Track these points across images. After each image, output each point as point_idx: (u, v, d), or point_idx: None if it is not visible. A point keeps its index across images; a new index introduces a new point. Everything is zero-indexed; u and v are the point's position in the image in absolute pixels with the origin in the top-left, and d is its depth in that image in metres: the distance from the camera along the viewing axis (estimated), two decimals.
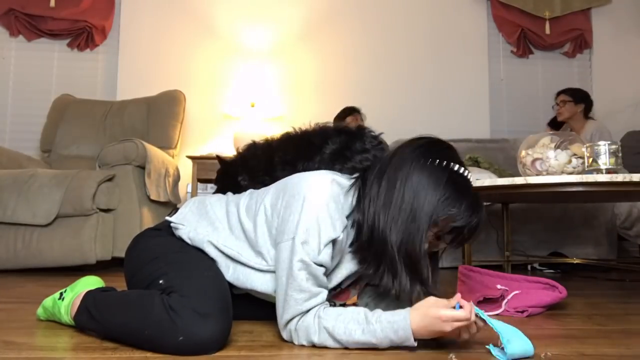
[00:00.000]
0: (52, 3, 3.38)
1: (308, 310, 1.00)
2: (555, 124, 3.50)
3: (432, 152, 1.03)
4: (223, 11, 3.64)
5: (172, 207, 2.92)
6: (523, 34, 3.88)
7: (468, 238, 1.05)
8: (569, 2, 3.91)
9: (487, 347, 0.98)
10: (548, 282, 1.62)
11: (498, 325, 0.95)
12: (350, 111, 3.39)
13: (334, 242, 1.02)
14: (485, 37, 3.88)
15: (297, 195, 1.03)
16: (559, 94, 3.42)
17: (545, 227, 2.96)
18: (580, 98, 3.36)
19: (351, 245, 1.07)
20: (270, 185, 1.17)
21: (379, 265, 1.02)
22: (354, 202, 1.06)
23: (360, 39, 3.75)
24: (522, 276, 1.71)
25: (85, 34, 3.47)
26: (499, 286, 1.59)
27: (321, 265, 1.00)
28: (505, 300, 1.51)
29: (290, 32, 3.68)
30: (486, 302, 1.54)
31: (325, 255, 1.00)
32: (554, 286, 1.59)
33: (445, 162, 1.01)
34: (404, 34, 3.78)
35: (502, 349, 0.93)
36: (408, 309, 0.95)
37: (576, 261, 2.79)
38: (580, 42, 3.93)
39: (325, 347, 0.99)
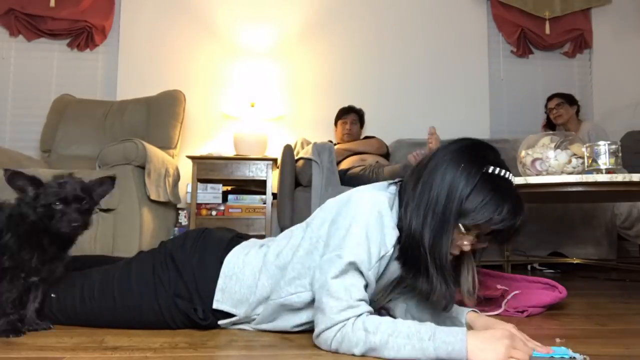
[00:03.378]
0: (52, 3, 3.38)
1: (344, 320, 0.95)
2: (550, 129, 3.51)
3: (467, 155, 1.02)
4: (223, 11, 3.64)
5: (172, 207, 2.92)
6: (523, 34, 3.88)
7: (511, 237, 1.04)
8: (569, 2, 3.90)
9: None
10: (548, 282, 1.62)
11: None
12: (342, 114, 3.38)
13: (383, 257, 1.02)
14: (485, 37, 3.88)
15: (346, 213, 1.03)
16: (550, 98, 3.44)
17: (545, 227, 2.96)
18: (571, 100, 3.41)
19: (397, 256, 1.06)
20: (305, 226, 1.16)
21: (418, 269, 1.01)
22: (398, 210, 1.06)
23: (360, 38, 3.74)
24: (522, 276, 1.71)
25: (85, 34, 3.46)
26: (499, 286, 1.59)
27: (366, 282, 0.99)
28: (505, 300, 1.51)
29: (290, 32, 3.68)
30: (486, 302, 1.54)
31: (373, 274, 1.00)
32: (554, 286, 1.59)
33: (479, 166, 0.99)
34: (403, 34, 3.78)
35: None
36: (464, 329, 0.91)
37: (576, 261, 2.79)
38: (580, 42, 3.93)
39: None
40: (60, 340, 1.08)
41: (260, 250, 1.19)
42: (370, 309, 0.98)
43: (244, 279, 1.14)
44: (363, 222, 1.00)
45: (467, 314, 1.12)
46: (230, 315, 1.16)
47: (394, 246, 1.03)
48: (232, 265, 1.16)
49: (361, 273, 0.98)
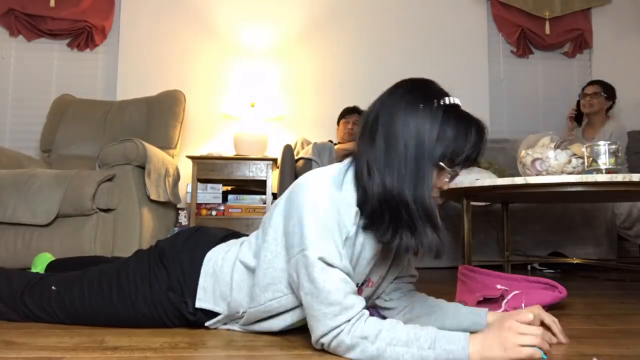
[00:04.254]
0: (52, 3, 3.38)
1: (340, 325, 0.91)
2: (578, 117, 3.37)
3: (420, 94, 0.99)
4: (223, 11, 3.64)
5: (172, 207, 2.92)
6: (523, 34, 3.88)
7: (479, 157, 1.01)
8: (569, 2, 3.90)
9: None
10: (548, 282, 1.62)
11: None
12: (345, 113, 3.38)
13: (346, 238, 0.98)
14: (485, 37, 3.88)
15: (296, 204, 0.98)
16: (590, 83, 3.29)
17: (545, 227, 2.96)
18: (611, 94, 3.25)
19: (364, 226, 1.00)
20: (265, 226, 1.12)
21: (397, 228, 0.97)
22: (354, 183, 1.01)
23: (360, 39, 3.74)
24: (522, 276, 1.71)
25: (85, 34, 3.46)
26: (499, 286, 1.59)
27: (346, 272, 0.95)
28: (505, 300, 1.51)
29: (290, 32, 3.68)
30: (486, 302, 1.54)
31: (347, 260, 0.96)
32: (554, 286, 1.59)
33: (436, 101, 0.97)
34: (403, 34, 3.78)
35: None
36: (467, 334, 0.86)
37: (576, 261, 2.79)
38: (580, 42, 3.93)
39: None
40: (60, 340, 1.08)
41: (238, 247, 1.17)
42: (364, 311, 0.94)
43: (222, 276, 1.13)
44: (316, 211, 0.94)
45: (487, 315, 1.11)
46: (215, 314, 1.16)
47: (355, 223, 0.99)
48: (212, 263, 1.15)
49: (334, 266, 0.93)
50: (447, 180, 1.01)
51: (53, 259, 1.67)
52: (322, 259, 0.92)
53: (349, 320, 0.91)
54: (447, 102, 0.98)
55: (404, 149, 0.95)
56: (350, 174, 1.03)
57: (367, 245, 1.03)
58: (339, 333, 0.91)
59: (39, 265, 1.63)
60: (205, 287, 1.14)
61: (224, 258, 1.15)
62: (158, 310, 1.16)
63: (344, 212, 0.97)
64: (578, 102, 3.36)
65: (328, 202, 0.96)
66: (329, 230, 0.94)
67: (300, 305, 1.02)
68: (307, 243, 0.93)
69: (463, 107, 1.01)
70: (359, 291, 1.11)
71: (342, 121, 3.36)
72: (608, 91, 3.24)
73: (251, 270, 1.10)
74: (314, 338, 0.96)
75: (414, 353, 0.85)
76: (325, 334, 0.92)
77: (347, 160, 1.07)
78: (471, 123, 0.97)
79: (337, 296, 0.91)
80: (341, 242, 0.96)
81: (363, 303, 0.95)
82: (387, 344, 0.87)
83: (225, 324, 1.19)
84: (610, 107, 3.30)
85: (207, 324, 1.17)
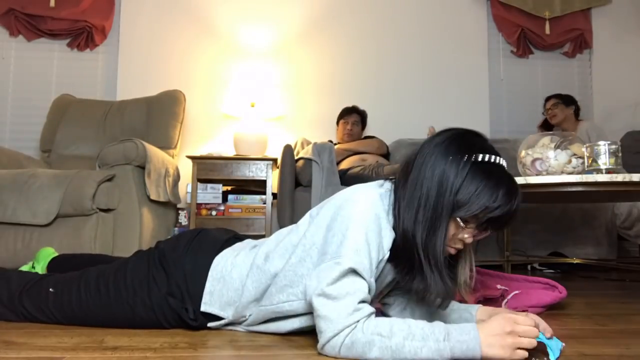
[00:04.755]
0: (52, 3, 3.38)
1: (352, 324, 0.92)
2: (547, 129, 3.51)
3: (454, 145, 0.99)
4: (223, 11, 3.64)
5: (172, 207, 2.92)
6: (523, 34, 3.88)
7: (508, 223, 1.00)
8: (569, 2, 3.90)
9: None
10: (548, 282, 1.62)
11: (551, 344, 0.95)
12: (344, 114, 3.38)
13: (381, 260, 1.00)
14: (485, 37, 3.88)
15: (342, 216, 0.99)
16: (547, 99, 3.46)
17: (545, 227, 2.96)
18: (569, 101, 3.41)
19: (388, 259, 1.03)
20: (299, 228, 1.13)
21: (412, 269, 0.99)
22: (392, 209, 1.02)
23: (360, 38, 3.74)
24: (522, 276, 1.71)
25: (85, 34, 3.46)
26: (499, 286, 1.59)
27: (368, 286, 0.96)
28: (505, 300, 1.51)
29: (290, 32, 3.68)
30: (486, 302, 1.54)
31: (374, 278, 0.98)
32: (554, 286, 1.59)
33: (468, 155, 0.97)
34: (404, 33, 3.78)
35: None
36: (474, 324, 0.90)
37: (576, 261, 2.79)
38: (580, 42, 3.93)
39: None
40: (60, 340, 1.08)
41: (250, 252, 1.16)
42: (373, 309, 0.96)
43: (231, 281, 1.12)
44: (361, 227, 0.97)
45: (477, 310, 1.12)
46: (219, 317, 1.16)
47: (389, 249, 1.01)
48: (220, 267, 1.15)
49: (362, 278, 0.95)
50: (466, 236, 1.01)
51: (56, 254, 1.66)
52: (353, 270, 0.94)
53: (359, 320, 0.92)
54: (479, 158, 0.97)
55: (425, 195, 0.97)
56: (392, 196, 1.04)
57: (391, 271, 1.07)
58: (352, 331, 0.91)
59: (42, 260, 1.63)
60: (212, 291, 1.14)
61: (233, 263, 1.14)
62: (157, 314, 1.16)
63: (385, 235, 1.00)
64: (545, 119, 3.49)
65: (373, 219, 0.98)
66: (368, 248, 0.96)
67: (310, 313, 1.02)
68: (343, 253, 0.95)
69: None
70: None
71: (341, 121, 3.36)
72: (565, 99, 3.39)
73: (270, 275, 1.09)
74: (322, 340, 0.93)
75: (431, 346, 0.87)
76: (337, 334, 0.91)
77: (392, 180, 1.08)
78: (501, 185, 0.95)
79: (351, 298, 0.93)
80: (375, 261, 0.98)
81: (372, 309, 0.96)
82: (404, 339, 0.88)
83: (225, 326, 1.19)
84: (577, 112, 3.42)
85: (210, 324, 1.17)
